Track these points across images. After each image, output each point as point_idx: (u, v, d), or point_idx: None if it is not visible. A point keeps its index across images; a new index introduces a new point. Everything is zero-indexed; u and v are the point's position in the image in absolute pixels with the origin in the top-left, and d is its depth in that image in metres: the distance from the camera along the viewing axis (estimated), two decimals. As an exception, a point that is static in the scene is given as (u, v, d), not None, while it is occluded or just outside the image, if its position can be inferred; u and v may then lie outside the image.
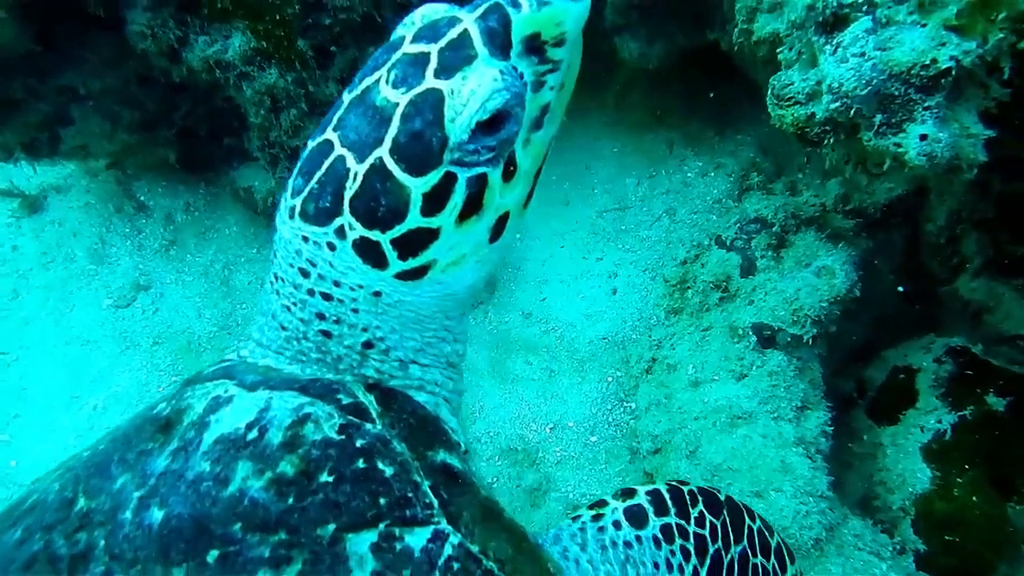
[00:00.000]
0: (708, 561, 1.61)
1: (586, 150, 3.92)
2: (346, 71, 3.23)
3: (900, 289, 2.55)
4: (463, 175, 1.27)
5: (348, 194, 1.27)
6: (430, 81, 1.22)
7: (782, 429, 2.13)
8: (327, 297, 1.36)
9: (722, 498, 1.70)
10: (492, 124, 1.25)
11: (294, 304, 1.39)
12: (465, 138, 1.23)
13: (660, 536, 1.59)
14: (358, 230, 1.28)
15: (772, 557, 1.75)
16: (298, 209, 1.32)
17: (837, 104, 1.71)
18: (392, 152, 1.23)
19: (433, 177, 1.25)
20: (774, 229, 2.45)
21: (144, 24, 2.87)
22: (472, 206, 1.30)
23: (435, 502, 1.26)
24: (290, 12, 2.92)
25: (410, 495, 1.26)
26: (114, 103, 3.13)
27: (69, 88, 2.98)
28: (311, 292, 1.37)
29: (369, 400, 1.38)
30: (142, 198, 3.97)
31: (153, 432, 1.26)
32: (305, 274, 1.35)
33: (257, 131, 3.24)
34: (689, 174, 3.51)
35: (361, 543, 1.19)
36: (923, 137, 1.66)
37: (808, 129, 1.82)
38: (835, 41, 1.72)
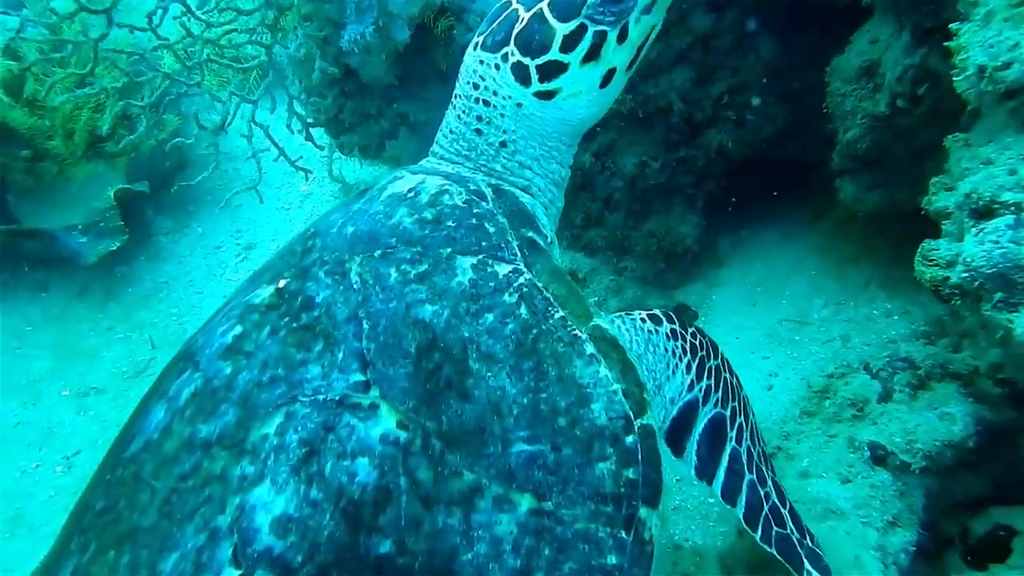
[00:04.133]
0: (697, 360, 2.12)
1: (789, 265, 4.31)
2: (602, 149, 3.98)
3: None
4: (592, 28, 1.86)
5: (516, 31, 1.90)
6: None
7: (867, 533, 2.43)
8: (486, 103, 2.00)
9: (707, 338, 2.21)
10: None
11: (464, 112, 2.05)
12: (597, 2, 1.83)
13: (669, 332, 2.09)
14: (517, 56, 1.91)
15: (735, 378, 2.27)
16: (480, 42, 1.99)
17: (967, 275, 2.09)
18: (550, 5, 1.86)
19: (572, 24, 1.85)
20: (919, 372, 2.76)
21: (469, 81, 3.84)
22: (593, 53, 1.88)
23: (518, 255, 1.81)
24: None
25: (502, 245, 1.82)
26: (428, 133, 4.12)
27: (404, 114, 3.99)
28: (476, 100, 2.01)
29: (488, 191, 1.96)
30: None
31: (359, 192, 1.99)
32: (475, 87, 2.00)
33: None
34: (875, 311, 3.79)
35: (465, 262, 1.75)
36: None
37: (941, 288, 2.20)
38: (980, 226, 2.11)
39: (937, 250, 2.22)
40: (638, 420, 1.68)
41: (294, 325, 1.66)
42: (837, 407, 2.88)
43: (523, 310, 1.72)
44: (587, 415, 1.65)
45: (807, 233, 4.41)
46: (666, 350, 2.09)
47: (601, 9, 1.85)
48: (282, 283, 1.77)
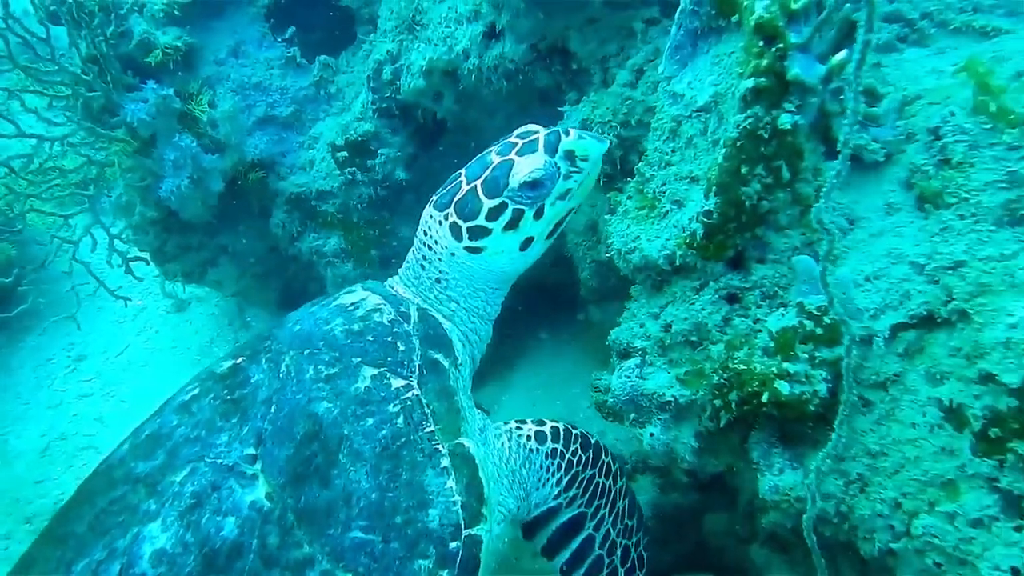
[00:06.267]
0: (570, 474, 2.50)
1: (568, 370, 5.06)
2: (401, 276, 4.64)
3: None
4: (511, 206, 2.27)
5: (456, 197, 2.31)
6: (512, 156, 2.28)
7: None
8: (430, 248, 2.42)
9: (592, 440, 2.62)
10: (533, 185, 2.25)
11: (416, 250, 2.49)
12: (516, 187, 2.24)
13: (549, 452, 2.47)
14: (453, 217, 2.32)
15: (611, 478, 2.67)
16: (435, 200, 2.41)
17: (612, 401, 2.81)
18: (481, 184, 2.28)
19: (495, 201, 2.26)
20: (627, 466, 3.50)
21: (279, 220, 4.43)
22: (512, 225, 2.29)
23: (416, 373, 2.17)
24: (371, 233, 4.39)
25: (404, 363, 2.17)
26: (247, 260, 4.66)
27: (224, 245, 4.52)
28: (425, 244, 2.44)
29: (415, 314, 2.34)
30: (249, 319, 5.47)
31: (323, 297, 2.43)
32: (425, 233, 2.44)
33: (331, 299, 4.68)
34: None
35: (368, 371, 2.10)
36: (651, 435, 2.73)
37: (602, 410, 2.93)
38: (620, 364, 2.84)
39: (600, 380, 2.97)
40: (467, 530, 1.98)
41: (228, 397, 2.10)
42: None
43: (400, 420, 2.05)
44: (422, 518, 1.94)
45: (583, 342, 5.20)
46: (540, 466, 2.46)
47: (519, 194, 2.26)
48: (240, 360, 2.21)
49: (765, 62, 2.20)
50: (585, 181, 2.33)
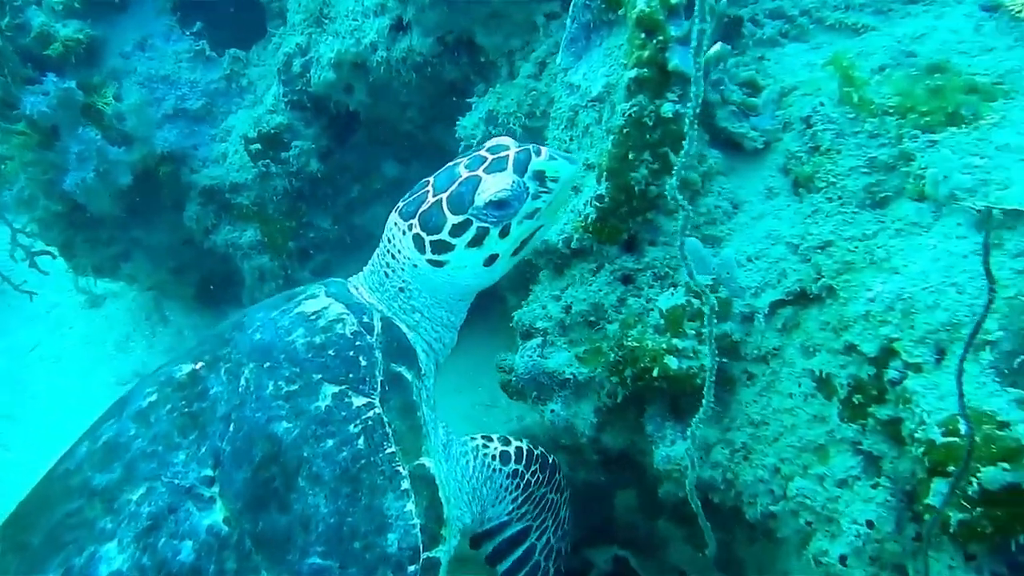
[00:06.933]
0: (526, 494, 2.55)
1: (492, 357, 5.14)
2: (319, 267, 4.66)
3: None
4: (476, 223, 2.17)
5: (421, 209, 2.22)
6: (479, 172, 2.18)
7: None
8: (393, 256, 2.33)
9: (550, 460, 2.66)
10: (500, 205, 2.15)
11: (380, 256, 2.39)
12: (481, 206, 2.15)
13: (511, 472, 2.50)
14: (417, 229, 2.23)
15: (560, 493, 2.75)
16: (401, 208, 2.31)
17: (516, 380, 2.90)
18: (447, 199, 2.18)
19: (460, 217, 2.17)
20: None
21: (193, 213, 4.40)
22: (476, 242, 2.20)
23: (378, 390, 2.12)
24: (288, 224, 4.39)
25: (367, 379, 2.12)
26: (162, 254, 4.61)
27: (136, 239, 4.46)
28: (388, 251, 2.35)
29: (377, 324, 2.27)
30: (167, 314, 5.40)
31: (285, 297, 2.36)
32: (390, 240, 2.34)
33: (248, 291, 4.65)
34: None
35: (329, 390, 2.06)
36: (552, 411, 2.84)
37: (507, 389, 3.02)
38: (523, 344, 2.94)
39: (505, 360, 3.06)
40: (426, 552, 1.99)
41: (186, 410, 2.05)
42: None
43: (361, 441, 2.02)
44: (381, 542, 1.93)
45: (506, 328, 5.28)
46: (501, 485, 2.50)
47: (485, 212, 2.17)
48: (199, 365, 2.15)
49: (647, 53, 2.32)
50: (554, 201, 2.27)
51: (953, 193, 2.10)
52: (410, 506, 2.00)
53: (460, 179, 2.20)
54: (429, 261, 2.27)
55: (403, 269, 2.34)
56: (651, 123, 2.39)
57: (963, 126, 2.24)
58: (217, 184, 4.25)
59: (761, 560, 2.91)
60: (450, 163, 2.29)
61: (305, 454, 1.96)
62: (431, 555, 2.00)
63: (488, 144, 2.27)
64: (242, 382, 2.07)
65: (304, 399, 2.04)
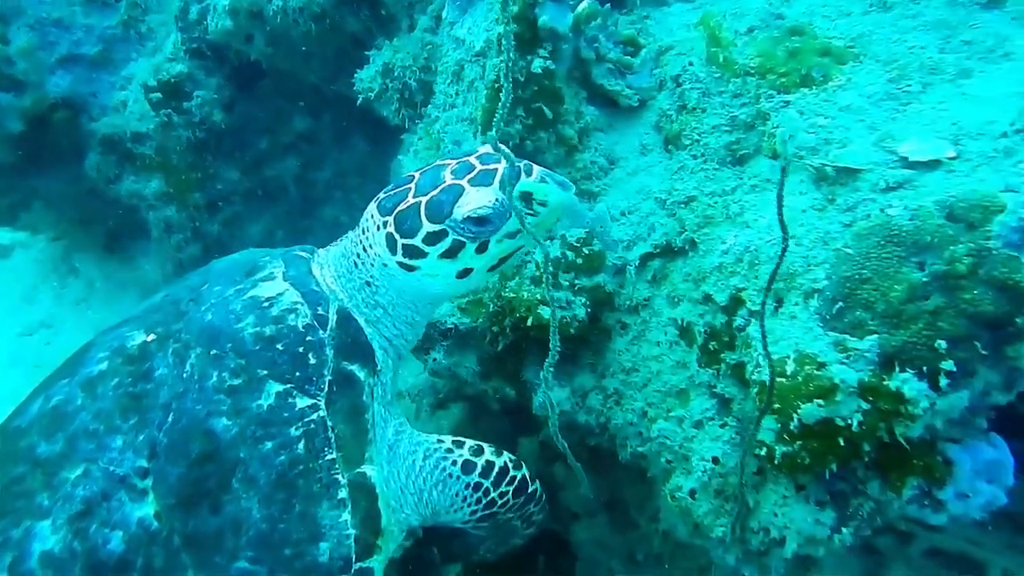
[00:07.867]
0: (488, 512, 2.37)
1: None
2: (229, 219, 4.63)
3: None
4: (451, 235, 2.03)
5: (399, 208, 2.08)
6: (464, 182, 2.02)
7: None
8: (365, 250, 2.18)
9: (531, 489, 2.45)
10: (479, 221, 2.00)
11: (352, 244, 2.24)
12: (459, 219, 1.99)
13: (473, 484, 2.32)
14: (391, 228, 2.08)
15: (527, 527, 2.59)
16: (380, 199, 2.16)
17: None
18: (425, 204, 2.03)
19: (436, 226, 2.02)
20: (440, 396, 3.74)
21: (94, 162, 4.31)
22: (450, 254, 2.06)
23: (324, 390, 2.01)
24: (193, 176, 4.34)
25: (314, 379, 2.02)
26: (65, 203, 4.52)
27: (35, 188, 4.36)
28: (361, 243, 2.20)
29: (333, 318, 2.14)
30: (77, 265, 5.30)
31: (242, 272, 2.23)
32: (364, 232, 2.19)
33: (156, 242, 4.60)
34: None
35: (273, 388, 1.96)
36: (434, 360, 2.92)
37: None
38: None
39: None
40: (358, 563, 1.94)
41: (131, 389, 2.02)
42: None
43: (300, 446, 1.94)
44: (312, 551, 1.90)
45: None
46: (457, 494, 2.34)
47: (462, 226, 2.02)
48: (151, 337, 2.10)
49: (516, 9, 2.36)
50: (540, 225, 2.10)
51: (797, 151, 2.22)
52: (345, 516, 1.97)
53: (443, 185, 2.05)
54: (399, 264, 2.14)
55: (372, 265, 2.21)
56: (522, 79, 2.45)
57: (813, 87, 2.35)
58: (118, 133, 4.16)
59: (641, 500, 3.07)
60: (439, 161, 2.16)
61: (242, 455, 1.92)
62: (364, 566, 1.97)
63: (480, 151, 2.12)
64: (187, 368, 2.02)
65: (246, 396, 1.97)
